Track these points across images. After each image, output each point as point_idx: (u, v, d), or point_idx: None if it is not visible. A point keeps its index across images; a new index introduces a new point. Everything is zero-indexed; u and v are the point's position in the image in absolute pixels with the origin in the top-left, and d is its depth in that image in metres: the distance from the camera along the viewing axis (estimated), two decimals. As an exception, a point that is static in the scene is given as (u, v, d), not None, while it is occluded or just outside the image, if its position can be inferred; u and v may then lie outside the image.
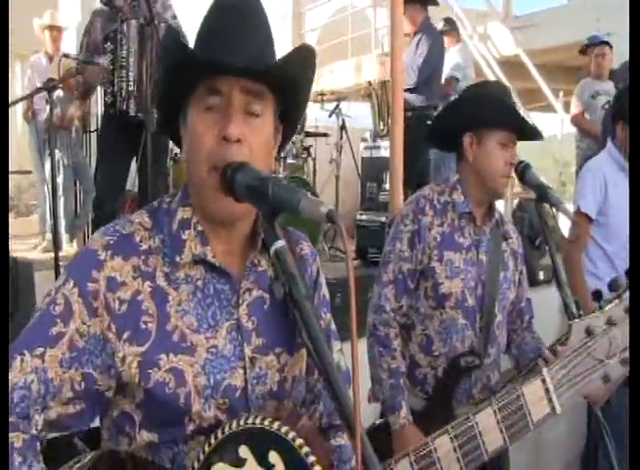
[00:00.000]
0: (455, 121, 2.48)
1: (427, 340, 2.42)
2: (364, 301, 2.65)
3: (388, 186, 5.18)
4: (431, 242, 2.38)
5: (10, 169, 4.14)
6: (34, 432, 1.18)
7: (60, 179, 5.90)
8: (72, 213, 6.45)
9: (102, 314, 1.21)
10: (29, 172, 6.96)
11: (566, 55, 8.49)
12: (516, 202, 7.02)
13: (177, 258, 1.26)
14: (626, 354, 1.40)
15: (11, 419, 1.14)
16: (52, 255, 3.99)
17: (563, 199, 2.37)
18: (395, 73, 4.66)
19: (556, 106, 8.17)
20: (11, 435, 1.14)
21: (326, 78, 10.29)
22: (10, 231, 3.44)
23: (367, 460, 1.02)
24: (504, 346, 2.51)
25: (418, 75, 5.97)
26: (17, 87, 8.29)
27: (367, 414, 2.15)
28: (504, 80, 8.18)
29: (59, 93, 5.74)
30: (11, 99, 3.86)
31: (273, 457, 1.15)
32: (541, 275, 5.82)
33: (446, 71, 6.72)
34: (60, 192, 5.88)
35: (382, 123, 6.90)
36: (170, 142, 4.10)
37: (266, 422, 1.16)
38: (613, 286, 1.77)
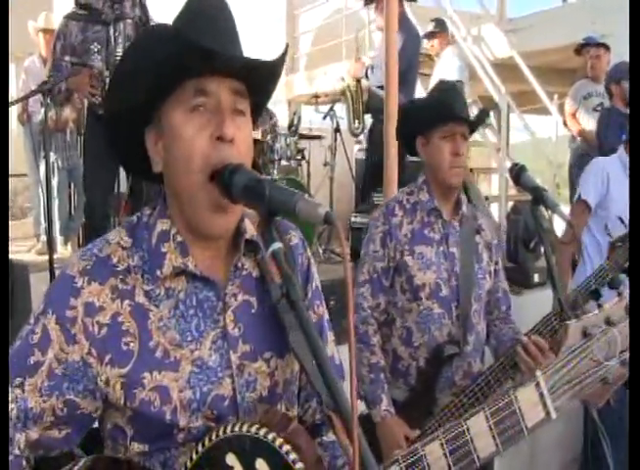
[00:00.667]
0: (407, 130, 2.65)
1: (407, 332, 2.54)
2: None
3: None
4: (402, 239, 2.53)
5: (4, 172, 4.12)
6: (17, 452, 1.19)
7: (54, 182, 5.89)
8: (67, 216, 6.43)
9: (80, 340, 1.20)
10: (24, 175, 6.94)
11: (560, 57, 8.48)
12: (510, 204, 7.03)
13: (158, 273, 1.25)
14: (626, 355, 1.37)
15: None
16: (47, 257, 3.98)
17: (557, 201, 2.38)
18: (389, 73, 4.65)
19: (550, 108, 8.17)
20: None
21: (320, 80, 10.27)
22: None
23: (365, 462, 1.01)
24: (484, 334, 2.61)
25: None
26: (12, 90, 8.26)
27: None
28: (498, 83, 8.19)
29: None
30: (5, 101, 3.84)
31: (260, 465, 1.14)
32: (536, 278, 5.84)
33: (444, 74, 6.69)
34: (54, 194, 5.86)
35: (357, 122, 6.85)
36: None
37: (253, 429, 1.15)
38: (612, 284, 1.77)
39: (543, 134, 9.83)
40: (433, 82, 7.01)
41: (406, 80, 6.01)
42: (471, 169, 6.69)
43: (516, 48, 8.59)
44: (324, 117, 7.36)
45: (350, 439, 1.01)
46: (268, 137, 6.26)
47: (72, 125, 6.33)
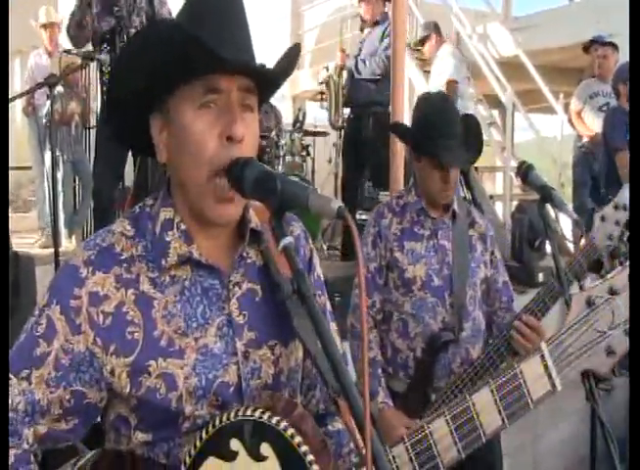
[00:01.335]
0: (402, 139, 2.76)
1: (403, 324, 2.59)
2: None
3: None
4: (391, 238, 2.62)
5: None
6: (26, 446, 1.19)
7: (59, 175, 5.90)
8: (72, 209, 6.44)
9: (85, 330, 1.20)
10: (29, 168, 6.95)
11: (566, 56, 8.48)
12: (515, 203, 7.02)
13: (163, 262, 1.24)
14: None
15: None
16: (51, 250, 3.98)
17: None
18: (396, 68, 4.63)
19: (556, 107, 8.15)
20: None
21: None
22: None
23: (376, 456, 1.01)
24: (481, 320, 2.66)
25: (379, 66, 5.82)
26: (16, 83, 8.27)
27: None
28: (503, 81, 8.18)
29: (59, 89, 5.74)
30: (10, 95, 3.84)
31: (265, 449, 1.14)
32: (540, 277, 5.83)
33: (440, 73, 6.66)
34: (59, 187, 5.87)
35: (337, 114, 6.76)
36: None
37: (257, 414, 1.15)
38: (614, 254, 1.76)
39: (548, 133, 9.82)
40: (431, 82, 6.99)
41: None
42: (475, 168, 6.67)
43: (521, 47, 8.57)
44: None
45: (361, 433, 1.00)
46: (273, 133, 6.25)
47: (78, 119, 6.35)
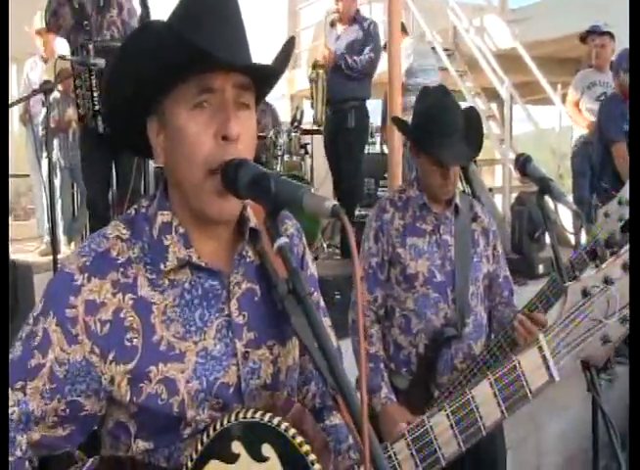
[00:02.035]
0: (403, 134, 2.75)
1: (405, 320, 2.58)
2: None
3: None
4: (393, 233, 2.60)
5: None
6: (19, 453, 1.17)
7: (57, 182, 5.89)
8: (70, 216, 6.44)
9: (82, 340, 1.18)
10: (27, 176, 6.96)
11: (563, 47, 8.47)
12: (514, 196, 7.02)
13: (162, 266, 1.23)
14: (626, 312, 1.37)
15: None
16: (50, 258, 3.97)
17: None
18: (392, 62, 4.63)
19: (554, 98, 8.14)
20: None
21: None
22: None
23: (374, 453, 1.00)
24: (483, 316, 2.64)
25: (368, 64, 5.81)
26: (13, 90, 8.28)
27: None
28: (501, 74, 8.17)
29: (55, 95, 5.73)
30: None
31: (266, 450, 1.14)
32: (541, 268, 5.84)
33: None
34: (57, 194, 5.87)
35: (322, 112, 6.71)
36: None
37: (258, 415, 1.15)
38: (608, 242, 1.75)
39: (547, 125, 9.80)
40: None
41: (371, 75, 5.99)
42: (474, 161, 6.66)
43: (518, 39, 8.57)
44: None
45: (358, 429, 1.00)
46: (271, 132, 6.24)
47: (75, 125, 6.34)
